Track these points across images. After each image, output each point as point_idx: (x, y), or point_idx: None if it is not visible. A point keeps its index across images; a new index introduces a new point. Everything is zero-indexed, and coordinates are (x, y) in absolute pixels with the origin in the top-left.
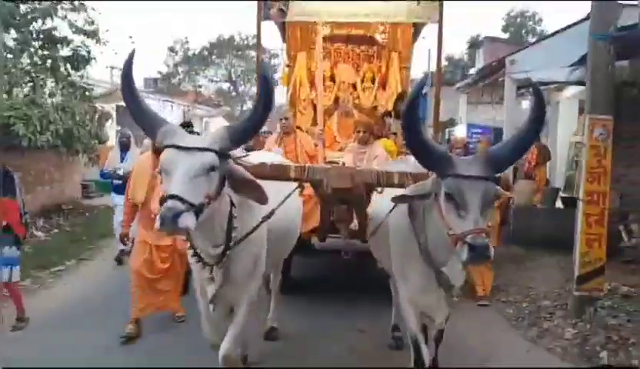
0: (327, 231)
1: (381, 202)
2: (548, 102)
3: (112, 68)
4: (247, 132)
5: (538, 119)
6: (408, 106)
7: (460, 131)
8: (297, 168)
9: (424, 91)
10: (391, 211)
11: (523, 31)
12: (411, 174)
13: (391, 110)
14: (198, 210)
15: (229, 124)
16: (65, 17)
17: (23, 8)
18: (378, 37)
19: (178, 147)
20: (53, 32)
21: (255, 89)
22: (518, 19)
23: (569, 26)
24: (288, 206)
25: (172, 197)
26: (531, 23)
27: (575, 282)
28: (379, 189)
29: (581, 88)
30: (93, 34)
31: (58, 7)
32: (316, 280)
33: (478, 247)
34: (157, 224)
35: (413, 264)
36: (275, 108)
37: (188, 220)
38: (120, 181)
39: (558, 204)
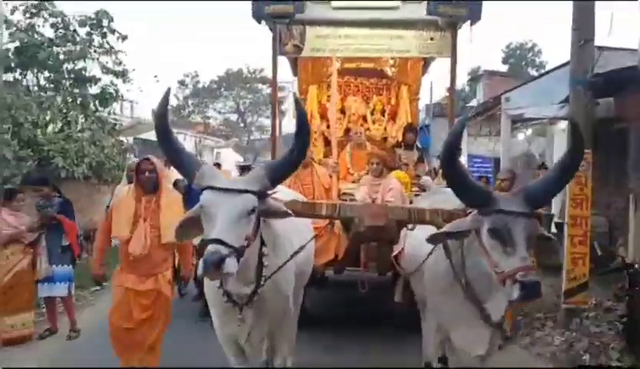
0: (347, 264)
1: (416, 236)
2: (544, 135)
3: (129, 101)
4: (285, 171)
5: (577, 157)
6: (448, 145)
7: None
8: (329, 206)
9: (426, 123)
10: (432, 251)
11: (523, 63)
12: (442, 211)
13: (401, 141)
14: (239, 253)
15: (265, 163)
16: (97, 59)
17: (57, 50)
18: (388, 70)
19: (219, 189)
20: (83, 72)
21: (262, 120)
22: (518, 51)
23: (557, 67)
24: (304, 239)
25: (215, 241)
26: (530, 55)
27: (563, 296)
28: (410, 226)
29: None
30: (122, 74)
31: (92, 50)
32: (330, 313)
33: (529, 285)
34: (200, 269)
35: (453, 302)
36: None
37: (231, 265)
38: None
39: (553, 228)
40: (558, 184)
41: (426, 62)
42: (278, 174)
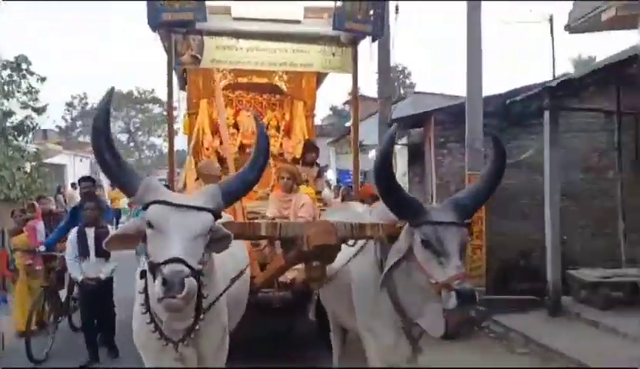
0: (269, 285)
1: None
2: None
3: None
4: (241, 191)
5: (500, 168)
6: (381, 159)
7: (330, 173)
8: (269, 225)
9: None
10: (350, 259)
11: (395, 84)
12: (382, 226)
13: (300, 157)
14: (196, 276)
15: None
16: (19, 99)
17: None
18: (282, 85)
19: (172, 205)
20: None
21: (152, 139)
22: (391, 74)
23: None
24: (239, 263)
25: (175, 260)
26: (401, 77)
27: None
28: (350, 242)
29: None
30: (43, 110)
31: (14, 90)
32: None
33: (465, 293)
34: (159, 291)
35: (384, 319)
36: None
37: (194, 285)
38: None
39: None
40: (484, 194)
41: (319, 78)
42: (233, 194)
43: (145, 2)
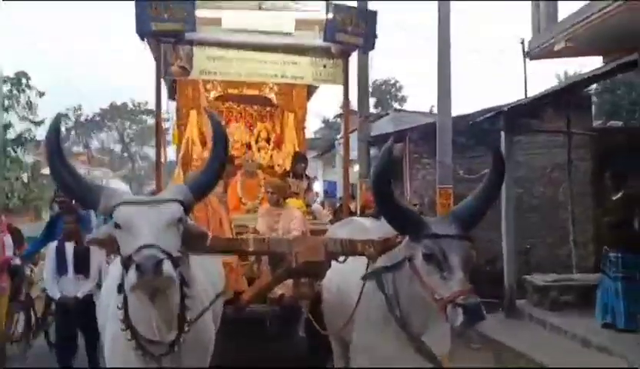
0: (256, 301)
1: (335, 267)
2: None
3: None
4: (208, 181)
5: (498, 178)
6: (379, 172)
7: (317, 185)
8: (257, 241)
9: None
10: (364, 284)
11: (387, 97)
12: (374, 242)
13: (290, 170)
14: (175, 262)
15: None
16: (16, 112)
17: None
18: (273, 97)
19: (138, 203)
20: None
21: (145, 150)
22: (383, 86)
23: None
24: (215, 280)
25: (147, 246)
26: (393, 90)
27: None
28: (341, 258)
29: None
30: (39, 123)
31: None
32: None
33: (472, 308)
34: (133, 278)
35: (386, 335)
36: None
37: (170, 268)
38: None
39: None
40: (484, 205)
41: (310, 90)
42: (202, 186)
43: (134, 11)
